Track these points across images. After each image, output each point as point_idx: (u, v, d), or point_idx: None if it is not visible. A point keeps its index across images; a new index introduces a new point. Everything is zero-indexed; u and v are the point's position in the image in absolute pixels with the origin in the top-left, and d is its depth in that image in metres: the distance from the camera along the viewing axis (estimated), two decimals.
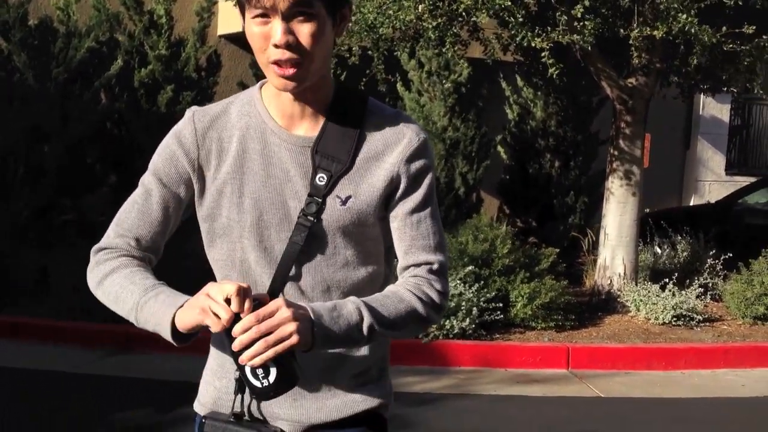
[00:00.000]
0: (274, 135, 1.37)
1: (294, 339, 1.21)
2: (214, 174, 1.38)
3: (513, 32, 5.56)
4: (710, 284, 6.60)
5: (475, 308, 5.46)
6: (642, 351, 5.59)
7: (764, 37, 5.52)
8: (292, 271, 1.35)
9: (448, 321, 5.36)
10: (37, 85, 6.65)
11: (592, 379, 5.19)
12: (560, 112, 8.16)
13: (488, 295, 5.64)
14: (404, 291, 1.36)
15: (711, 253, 6.92)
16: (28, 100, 6.61)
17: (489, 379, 5.12)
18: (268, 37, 1.27)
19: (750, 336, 6.04)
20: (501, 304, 5.66)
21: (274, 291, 1.34)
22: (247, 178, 1.36)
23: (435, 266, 1.39)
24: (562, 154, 8.24)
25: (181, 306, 1.27)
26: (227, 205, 1.37)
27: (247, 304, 1.21)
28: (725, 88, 7.26)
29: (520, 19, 5.39)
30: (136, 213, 1.39)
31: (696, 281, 6.40)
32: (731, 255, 6.72)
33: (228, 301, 1.20)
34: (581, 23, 5.37)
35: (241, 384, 1.34)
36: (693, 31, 5.17)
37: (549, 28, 5.49)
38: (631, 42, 5.51)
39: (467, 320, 5.40)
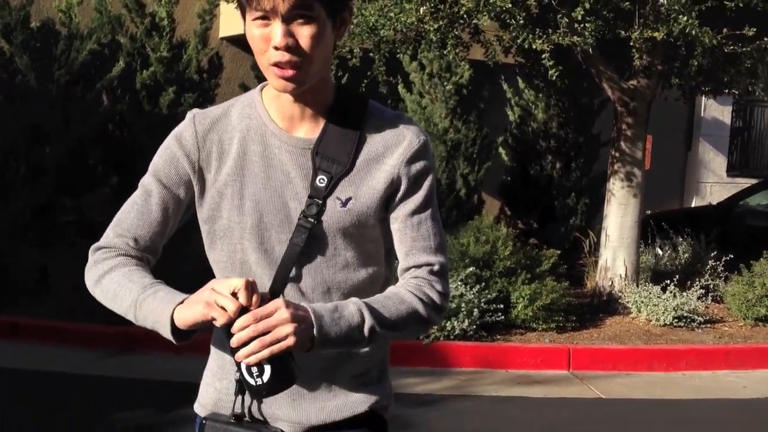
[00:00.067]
0: (274, 137, 1.38)
1: (290, 341, 1.22)
2: (215, 176, 1.39)
3: (514, 34, 5.56)
4: (711, 286, 6.60)
5: (476, 309, 5.46)
6: (643, 352, 5.59)
7: (765, 39, 5.51)
8: (293, 273, 1.35)
9: (449, 322, 5.36)
10: (38, 87, 6.66)
11: (593, 381, 5.20)
12: (561, 113, 8.17)
13: (489, 296, 5.64)
14: (405, 292, 1.36)
15: (712, 254, 6.91)
16: (28, 99, 6.62)
17: (490, 380, 5.12)
18: (268, 40, 1.28)
19: (751, 337, 6.04)
20: (502, 306, 5.67)
21: (275, 292, 1.35)
22: (247, 180, 1.37)
23: (436, 267, 1.39)
24: (564, 156, 8.24)
25: (181, 302, 1.28)
26: (228, 207, 1.37)
27: (255, 298, 1.22)
28: (726, 90, 7.26)
29: (521, 22, 5.39)
30: (136, 213, 1.40)
31: (697, 283, 6.40)
32: (732, 256, 6.72)
33: (234, 295, 1.21)
34: (582, 25, 5.37)
35: (242, 385, 1.34)
36: (693, 33, 5.18)
37: (550, 30, 5.50)
38: (632, 44, 5.52)
39: (468, 321, 5.40)
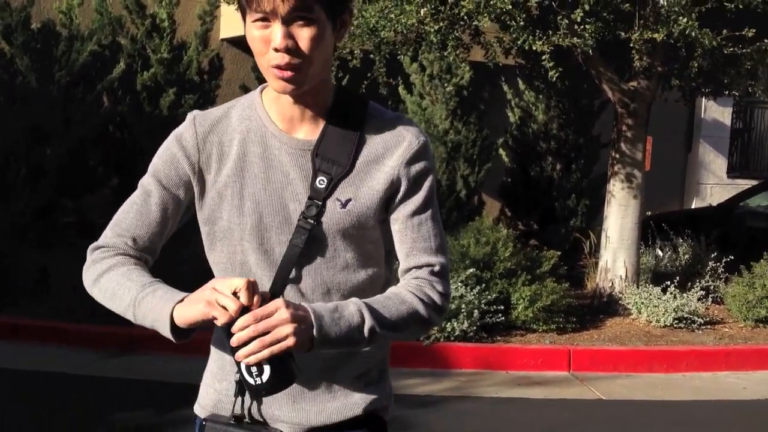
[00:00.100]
0: (274, 138, 1.38)
1: (290, 341, 1.22)
2: (215, 177, 1.39)
3: (514, 36, 5.57)
4: (712, 287, 6.60)
5: (476, 311, 5.46)
6: (643, 353, 5.58)
7: (765, 40, 5.52)
8: (292, 274, 1.36)
9: (449, 323, 5.36)
10: (39, 88, 6.67)
11: (593, 382, 5.20)
12: (562, 115, 8.17)
13: (489, 297, 5.64)
14: (406, 292, 1.37)
15: (712, 255, 6.92)
16: (29, 101, 6.63)
17: (490, 381, 5.12)
18: (268, 41, 1.28)
19: (751, 339, 6.04)
20: (502, 307, 5.67)
21: (275, 293, 1.35)
22: (247, 181, 1.37)
23: (436, 268, 1.39)
24: (564, 157, 8.25)
25: (181, 301, 1.28)
26: (228, 209, 1.37)
27: (256, 298, 1.22)
28: (727, 92, 7.27)
29: (522, 23, 5.40)
30: (135, 213, 1.40)
31: (697, 284, 6.40)
32: (733, 258, 6.72)
33: (235, 295, 1.22)
34: (582, 27, 5.38)
35: (242, 386, 1.35)
36: (693, 34, 5.18)
37: (550, 32, 5.50)
38: (632, 45, 5.52)
39: (468, 323, 5.40)
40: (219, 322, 1.22)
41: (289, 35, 1.27)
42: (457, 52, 6.09)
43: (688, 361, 5.56)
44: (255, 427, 1.37)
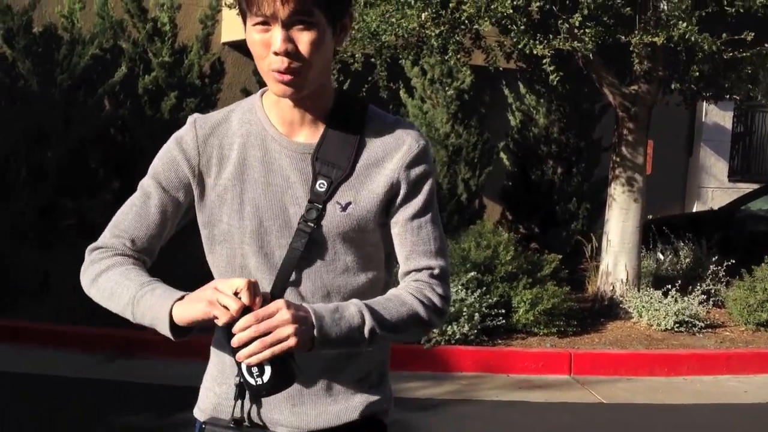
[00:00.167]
0: (274, 142, 1.38)
1: (291, 342, 1.22)
2: (215, 180, 1.39)
3: (515, 40, 5.57)
4: (713, 291, 6.60)
5: (477, 314, 5.46)
6: (644, 357, 5.58)
7: (766, 44, 5.52)
8: (293, 277, 1.36)
9: (450, 327, 5.36)
10: (40, 92, 6.68)
11: (594, 385, 5.19)
12: (563, 119, 8.17)
13: (490, 300, 5.64)
14: (406, 294, 1.37)
15: (713, 259, 6.91)
16: (29, 101, 6.64)
17: (491, 384, 5.12)
18: (268, 45, 1.28)
19: (753, 342, 6.03)
20: (503, 310, 5.67)
21: (275, 297, 1.35)
22: (247, 185, 1.37)
23: (436, 271, 1.39)
24: (565, 161, 8.25)
25: (180, 299, 1.28)
26: (228, 212, 1.38)
27: (257, 299, 1.23)
28: (727, 96, 7.26)
29: (522, 27, 5.41)
30: (134, 215, 1.40)
31: (698, 287, 6.39)
32: (734, 261, 6.72)
33: (237, 295, 1.22)
34: (582, 30, 5.38)
35: (241, 390, 1.35)
36: (693, 38, 5.19)
37: (551, 36, 5.51)
38: (632, 49, 5.52)
39: (469, 326, 5.40)
40: (220, 322, 1.22)
41: (289, 39, 1.27)
42: (458, 56, 6.10)
43: (689, 365, 5.55)
44: (254, 431, 1.37)
